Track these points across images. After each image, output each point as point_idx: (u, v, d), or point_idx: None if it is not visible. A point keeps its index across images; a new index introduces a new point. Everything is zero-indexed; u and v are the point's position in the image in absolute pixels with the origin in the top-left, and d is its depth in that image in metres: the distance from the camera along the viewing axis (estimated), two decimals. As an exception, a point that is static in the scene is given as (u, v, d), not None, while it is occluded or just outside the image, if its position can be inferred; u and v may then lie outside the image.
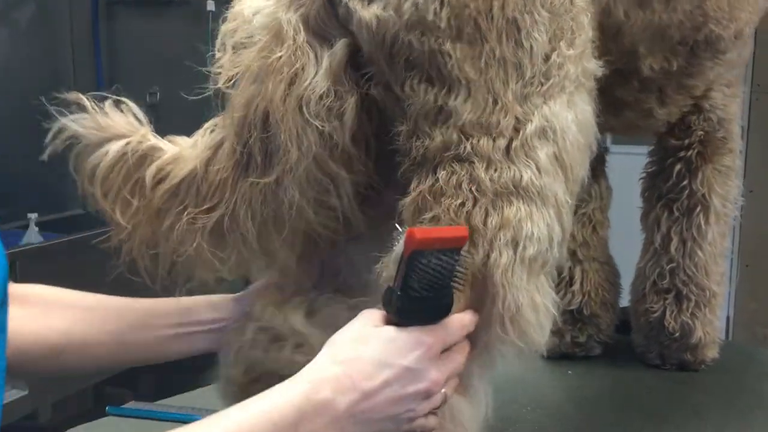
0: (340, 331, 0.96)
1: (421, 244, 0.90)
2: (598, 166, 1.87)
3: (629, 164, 1.89)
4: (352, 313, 0.97)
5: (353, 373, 0.91)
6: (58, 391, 2.60)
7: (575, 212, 1.80)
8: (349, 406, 0.90)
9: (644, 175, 1.83)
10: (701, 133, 1.72)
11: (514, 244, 0.98)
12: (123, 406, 1.68)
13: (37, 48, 3.01)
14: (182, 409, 1.62)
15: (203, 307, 1.22)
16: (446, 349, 0.97)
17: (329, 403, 0.89)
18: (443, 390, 0.97)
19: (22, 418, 2.44)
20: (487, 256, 0.98)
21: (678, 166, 1.74)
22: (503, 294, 0.98)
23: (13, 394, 2.35)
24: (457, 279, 0.96)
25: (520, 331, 1.00)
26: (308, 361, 0.94)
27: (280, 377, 1.11)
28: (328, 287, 1.18)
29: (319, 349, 0.95)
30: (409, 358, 0.93)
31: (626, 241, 1.88)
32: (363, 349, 0.93)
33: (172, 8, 3.37)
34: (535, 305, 1.00)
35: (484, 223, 0.98)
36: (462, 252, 0.94)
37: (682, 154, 1.73)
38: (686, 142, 1.73)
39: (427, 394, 0.95)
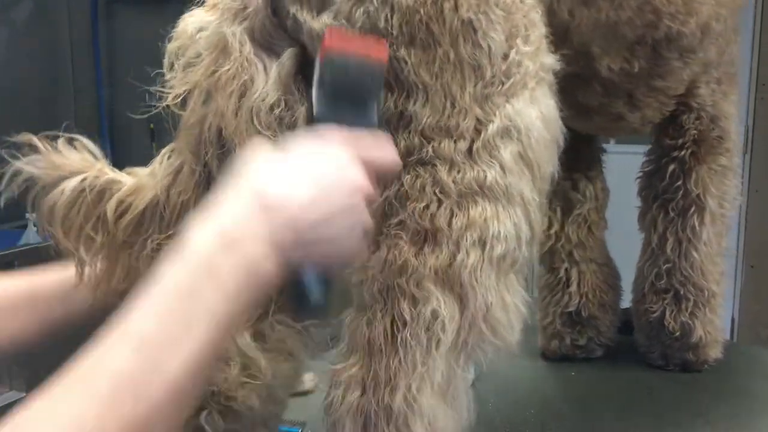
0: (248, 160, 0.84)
1: (335, 42, 0.88)
2: (594, 166, 1.87)
3: (633, 164, 1.87)
4: (301, 338, 0.94)
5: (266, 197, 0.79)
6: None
7: (570, 213, 1.82)
8: (266, 226, 0.77)
9: (641, 174, 1.82)
10: (695, 132, 1.71)
11: (482, 243, 0.98)
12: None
13: (35, 47, 3.02)
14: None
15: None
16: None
17: (243, 227, 0.76)
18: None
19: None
20: (453, 257, 0.98)
21: (672, 166, 1.73)
22: (472, 294, 0.98)
23: (10, 396, 2.34)
24: (377, 101, 0.92)
25: (491, 330, 0.99)
26: (256, 385, 0.89)
27: (226, 397, 1.12)
28: (272, 304, 1.15)
29: (268, 376, 0.90)
30: (326, 166, 0.82)
31: (630, 241, 1.88)
32: (272, 171, 0.81)
33: (172, 6, 3.34)
34: (505, 304, 1.00)
35: (449, 224, 0.98)
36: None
37: (675, 153, 1.73)
38: (680, 141, 1.72)
39: (358, 193, 0.84)
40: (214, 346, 0.73)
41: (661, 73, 1.50)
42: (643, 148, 1.84)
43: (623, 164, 1.97)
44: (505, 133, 0.99)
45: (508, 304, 1.01)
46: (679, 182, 1.72)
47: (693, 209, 1.71)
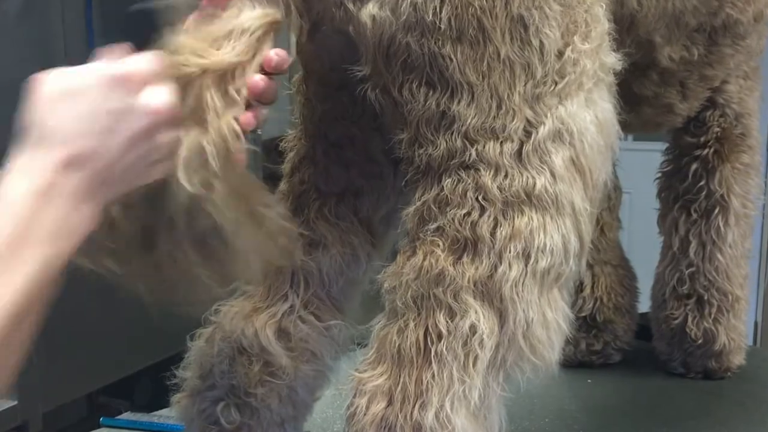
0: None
1: None
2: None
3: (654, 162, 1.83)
4: (324, 338, 0.91)
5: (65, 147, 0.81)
6: (50, 401, 2.52)
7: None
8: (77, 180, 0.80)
9: (660, 175, 1.78)
10: (718, 129, 1.67)
11: (525, 256, 0.93)
12: (118, 416, 1.65)
13: (27, 37, 2.94)
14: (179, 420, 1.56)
15: None
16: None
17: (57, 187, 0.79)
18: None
19: (12, 429, 2.37)
20: (495, 269, 0.93)
21: (694, 166, 1.69)
22: (512, 309, 0.93)
23: (1, 404, 2.28)
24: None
25: (530, 348, 0.95)
26: (276, 384, 0.86)
27: (245, 393, 1.13)
28: (297, 299, 1.14)
29: (289, 376, 0.87)
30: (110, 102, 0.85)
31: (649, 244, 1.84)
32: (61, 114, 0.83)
33: (170, -6, 3.27)
34: (546, 322, 0.95)
35: (492, 234, 0.93)
36: None
37: (698, 152, 1.69)
38: (702, 139, 1.68)
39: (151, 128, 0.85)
40: (29, 301, 0.76)
41: (712, 61, 1.49)
42: (660, 145, 1.80)
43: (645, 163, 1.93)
44: (557, 136, 0.93)
45: (550, 321, 0.96)
46: (702, 182, 1.68)
47: (717, 210, 1.67)
